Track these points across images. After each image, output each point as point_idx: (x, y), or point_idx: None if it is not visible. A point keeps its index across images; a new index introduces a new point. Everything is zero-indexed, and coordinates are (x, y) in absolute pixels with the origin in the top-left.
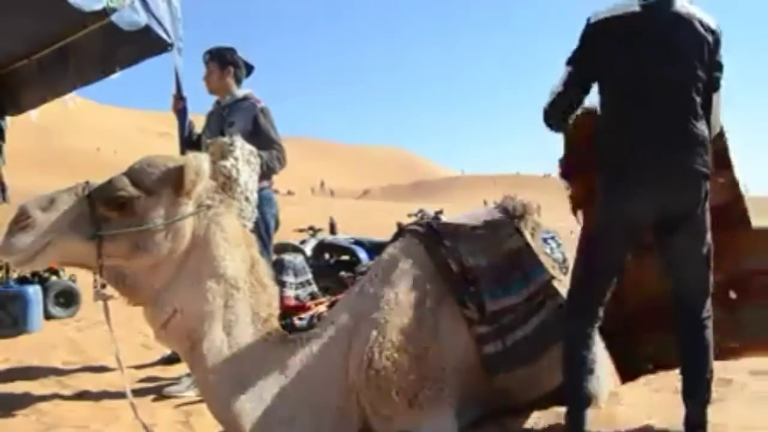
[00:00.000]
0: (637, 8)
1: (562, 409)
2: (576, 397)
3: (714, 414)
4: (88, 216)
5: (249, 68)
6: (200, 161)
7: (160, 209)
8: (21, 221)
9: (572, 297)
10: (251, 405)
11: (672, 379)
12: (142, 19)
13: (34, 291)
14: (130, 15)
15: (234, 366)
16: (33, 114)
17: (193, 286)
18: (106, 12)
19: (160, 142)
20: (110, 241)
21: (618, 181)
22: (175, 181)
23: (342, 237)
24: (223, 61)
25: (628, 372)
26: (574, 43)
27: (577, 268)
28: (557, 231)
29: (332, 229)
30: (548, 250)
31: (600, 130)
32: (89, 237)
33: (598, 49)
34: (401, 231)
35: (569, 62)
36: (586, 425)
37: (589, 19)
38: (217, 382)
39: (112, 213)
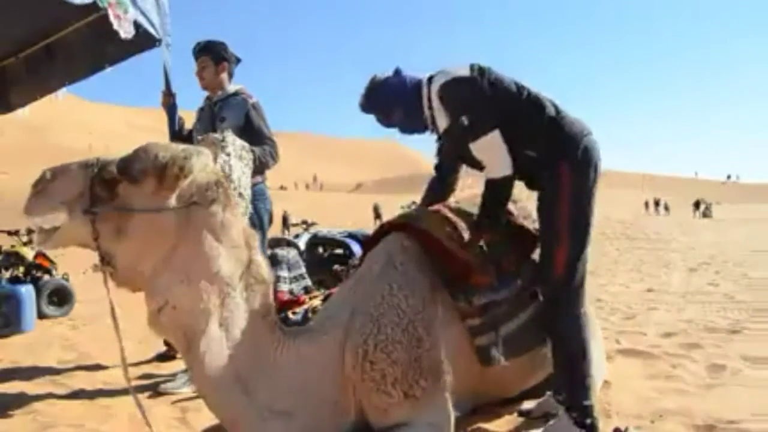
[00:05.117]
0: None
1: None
2: (585, 384)
3: (720, 401)
4: (88, 192)
5: (237, 61)
6: (189, 158)
7: (140, 197)
8: (38, 185)
9: (575, 280)
10: (248, 400)
11: (665, 367)
12: (130, 15)
13: (26, 290)
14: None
15: (231, 362)
16: (25, 110)
17: (184, 284)
18: (97, 6)
19: (150, 139)
20: (99, 221)
21: (588, 162)
22: (158, 172)
23: (335, 230)
24: (218, 57)
25: None
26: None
27: (574, 248)
28: None
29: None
30: None
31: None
32: (83, 213)
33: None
34: (391, 226)
35: (492, 127)
36: (597, 413)
37: (472, 77)
38: (214, 378)
39: (104, 193)
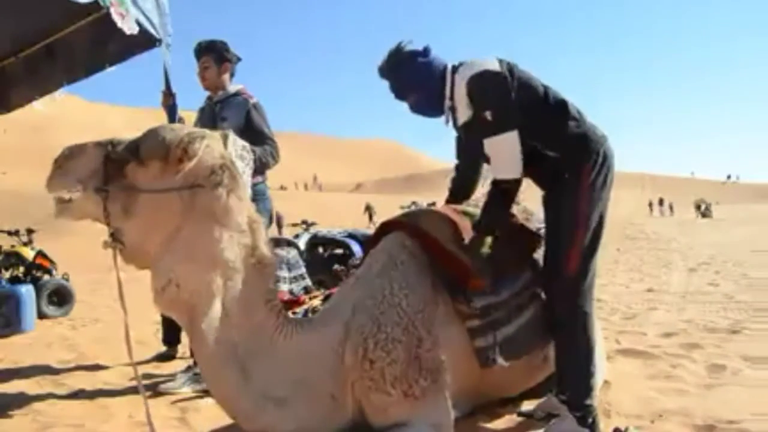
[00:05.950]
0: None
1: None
2: (589, 384)
3: (720, 401)
4: (101, 171)
5: (237, 60)
6: (193, 141)
7: (146, 178)
8: (58, 162)
9: (587, 280)
10: (245, 382)
11: (665, 367)
12: (132, 14)
13: (26, 291)
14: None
15: (231, 342)
16: (36, 104)
17: (187, 264)
18: (98, 5)
19: None
20: (109, 199)
21: (608, 167)
22: (163, 154)
23: (335, 230)
24: (220, 57)
25: None
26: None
27: (588, 248)
28: None
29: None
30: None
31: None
32: (95, 190)
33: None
34: (392, 225)
35: (513, 127)
36: (598, 413)
37: (503, 72)
38: (213, 358)
39: (115, 172)
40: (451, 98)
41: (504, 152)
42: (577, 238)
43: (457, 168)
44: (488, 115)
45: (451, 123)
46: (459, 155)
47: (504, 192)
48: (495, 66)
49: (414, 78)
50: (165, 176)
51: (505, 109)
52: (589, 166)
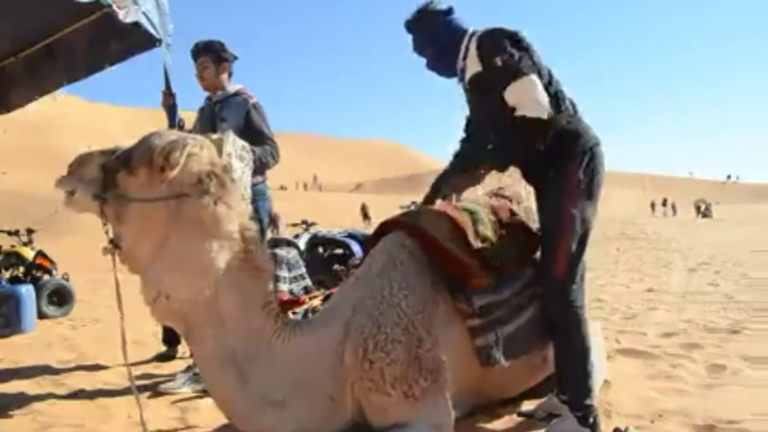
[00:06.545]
0: None
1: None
2: (588, 383)
3: (720, 401)
4: (100, 179)
5: (234, 59)
6: (175, 149)
7: (135, 187)
8: (70, 167)
9: (575, 278)
10: (243, 386)
11: (665, 367)
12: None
13: (26, 291)
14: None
15: (230, 349)
16: (36, 104)
17: (176, 274)
18: (100, 4)
19: None
20: (105, 205)
21: (596, 167)
22: (148, 161)
23: (335, 230)
24: (218, 57)
25: None
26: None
27: (577, 248)
28: None
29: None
30: None
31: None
32: (93, 197)
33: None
34: (391, 224)
35: (531, 71)
36: (598, 413)
37: (516, 32)
38: (212, 363)
39: (111, 180)
40: (464, 59)
41: (526, 95)
42: (563, 238)
43: (466, 129)
44: (498, 61)
45: (461, 83)
46: (467, 126)
47: (528, 122)
48: (510, 29)
49: (432, 32)
50: (152, 185)
51: (519, 54)
52: (575, 165)
